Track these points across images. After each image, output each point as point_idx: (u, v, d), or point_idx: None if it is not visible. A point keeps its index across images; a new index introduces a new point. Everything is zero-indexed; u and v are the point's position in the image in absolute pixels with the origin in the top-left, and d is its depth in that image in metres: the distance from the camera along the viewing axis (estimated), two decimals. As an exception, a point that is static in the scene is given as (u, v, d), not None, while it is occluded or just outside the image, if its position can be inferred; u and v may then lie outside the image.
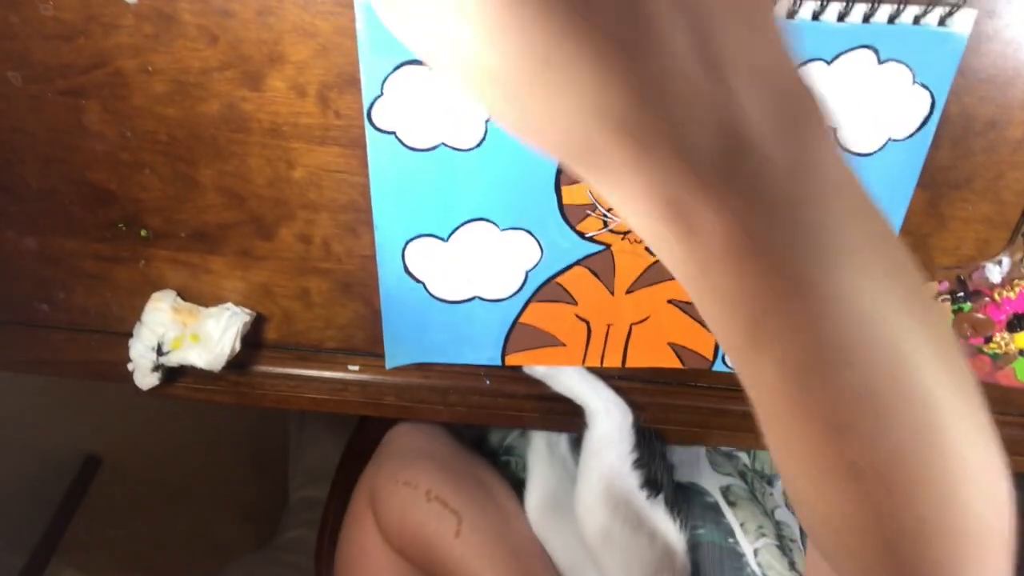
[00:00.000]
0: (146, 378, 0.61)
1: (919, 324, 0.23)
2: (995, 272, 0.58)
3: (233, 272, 0.60)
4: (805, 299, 0.22)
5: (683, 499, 0.76)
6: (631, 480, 0.70)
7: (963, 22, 0.47)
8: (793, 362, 0.23)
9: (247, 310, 0.61)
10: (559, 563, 0.76)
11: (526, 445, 0.84)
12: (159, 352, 0.59)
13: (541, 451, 0.81)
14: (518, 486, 0.81)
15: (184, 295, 0.61)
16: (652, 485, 0.69)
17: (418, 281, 0.58)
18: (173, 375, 0.64)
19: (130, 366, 0.61)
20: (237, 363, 0.63)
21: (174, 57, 0.51)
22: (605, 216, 0.55)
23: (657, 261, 0.56)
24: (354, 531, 0.80)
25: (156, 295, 0.60)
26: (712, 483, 0.80)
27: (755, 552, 0.74)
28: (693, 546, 0.74)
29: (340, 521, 0.93)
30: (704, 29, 0.20)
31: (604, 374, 0.65)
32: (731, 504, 0.77)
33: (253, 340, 0.63)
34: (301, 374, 0.65)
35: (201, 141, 0.54)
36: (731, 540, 0.74)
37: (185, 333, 0.59)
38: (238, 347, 0.60)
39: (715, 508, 0.77)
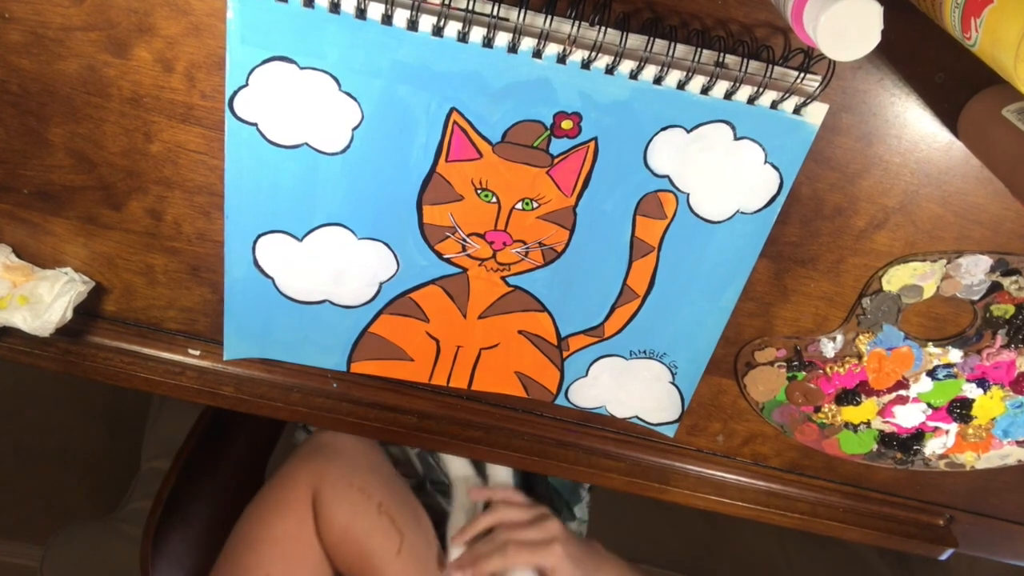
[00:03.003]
0: (-34, 333, 0.60)
1: None
2: (829, 347, 0.63)
3: (76, 238, 0.59)
4: None
5: None
6: None
7: (816, 114, 0.51)
8: None
9: (86, 278, 0.60)
10: None
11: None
12: (-18, 308, 0.58)
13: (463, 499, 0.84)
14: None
15: (20, 253, 0.60)
16: None
17: (267, 276, 0.58)
18: (-2, 332, 0.63)
19: (-52, 318, 0.59)
20: (69, 330, 0.62)
21: (34, 8, 0.50)
22: (464, 240, 0.57)
23: (511, 291, 0.59)
24: (288, 516, 0.80)
25: (-12, 248, 0.59)
26: None
27: None
28: None
29: (178, 497, 0.92)
30: None
31: (452, 394, 0.68)
32: None
33: (89, 310, 0.63)
34: (137, 351, 0.65)
35: (55, 99, 0.53)
36: None
37: (13, 293, 0.58)
38: (69, 315, 0.59)
39: None
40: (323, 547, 0.79)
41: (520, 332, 0.62)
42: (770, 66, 0.48)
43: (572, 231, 0.56)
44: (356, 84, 0.50)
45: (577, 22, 0.47)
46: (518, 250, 0.57)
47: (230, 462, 1.06)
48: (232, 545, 0.82)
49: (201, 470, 1.00)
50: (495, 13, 0.46)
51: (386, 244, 0.57)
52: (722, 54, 0.48)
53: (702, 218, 0.55)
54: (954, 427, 0.67)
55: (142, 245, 0.59)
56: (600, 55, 0.48)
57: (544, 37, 0.47)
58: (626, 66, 0.49)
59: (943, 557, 0.79)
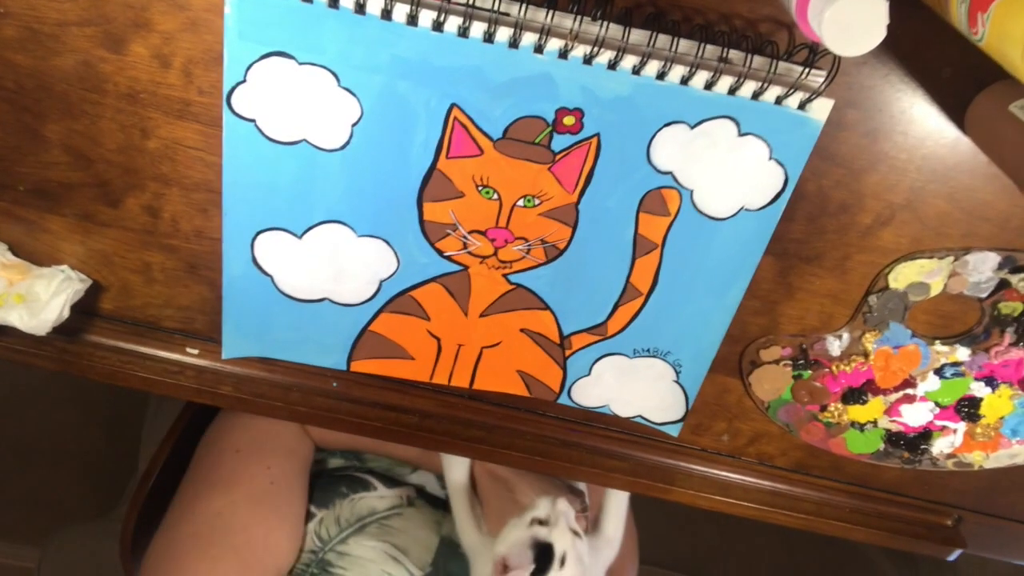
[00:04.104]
0: (-39, 331, 0.60)
1: None
2: (835, 345, 0.63)
3: (73, 235, 0.60)
4: None
5: None
6: None
7: (821, 109, 0.51)
8: None
9: (83, 276, 0.61)
10: None
11: None
12: (-22, 307, 0.58)
13: None
14: None
15: (17, 251, 0.61)
16: None
17: (266, 274, 0.58)
18: (-6, 331, 0.63)
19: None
20: (66, 329, 0.62)
21: (29, 3, 0.50)
22: (465, 238, 0.57)
23: (513, 289, 0.59)
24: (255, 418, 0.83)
25: (-17, 246, 0.59)
26: None
27: None
28: None
29: (160, 492, 0.92)
30: None
31: (453, 393, 0.68)
32: None
33: (86, 308, 0.63)
34: (135, 350, 0.65)
35: (51, 95, 0.53)
36: None
37: (10, 291, 0.59)
38: (66, 314, 0.59)
39: None
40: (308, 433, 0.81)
41: (522, 330, 0.62)
42: (774, 61, 0.49)
43: (574, 228, 0.57)
44: (355, 80, 0.50)
45: (579, 17, 0.47)
46: (520, 247, 0.57)
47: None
48: (199, 456, 0.83)
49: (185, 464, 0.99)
50: (496, 8, 0.46)
51: (386, 241, 0.57)
52: (726, 49, 0.48)
53: (706, 215, 0.55)
54: (962, 426, 0.67)
55: (139, 243, 0.60)
56: (603, 50, 0.48)
57: (546, 32, 0.47)
58: (629, 61, 0.49)
59: (951, 558, 0.79)
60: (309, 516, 0.81)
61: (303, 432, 0.84)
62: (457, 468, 0.83)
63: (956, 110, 0.52)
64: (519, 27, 0.47)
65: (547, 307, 0.61)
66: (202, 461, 0.83)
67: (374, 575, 0.76)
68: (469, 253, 0.58)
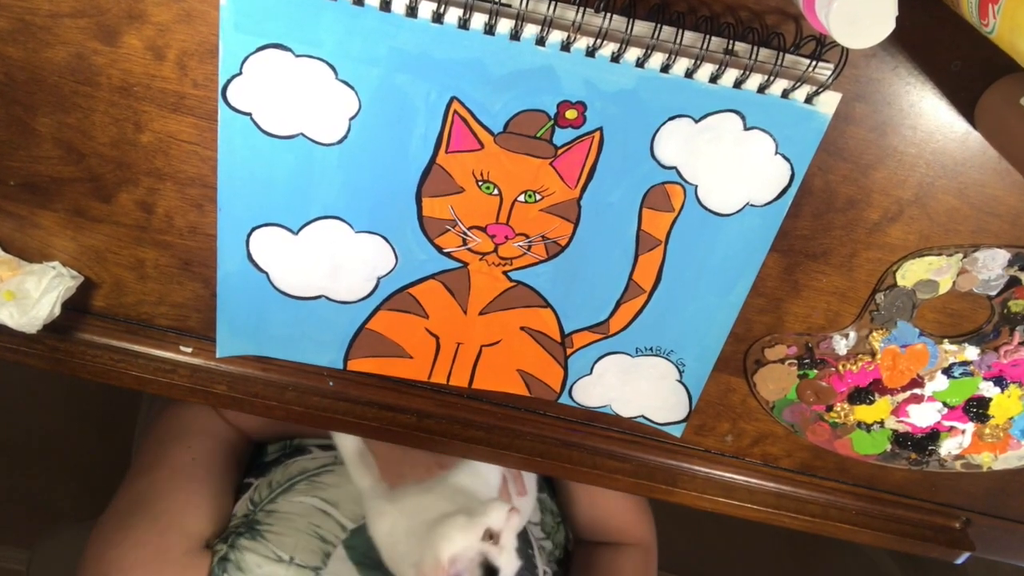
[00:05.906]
0: (-50, 329, 0.60)
1: None
2: (841, 344, 0.63)
3: (64, 231, 0.60)
4: None
5: None
6: None
7: (828, 103, 0.51)
8: None
9: (74, 273, 0.61)
10: None
11: None
12: (-33, 304, 0.58)
13: None
14: None
15: (7, 246, 0.61)
16: None
17: (261, 271, 0.58)
18: (-16, 329, 0.63)
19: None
20: (57, 327, 0.62)
21: (21, -6, 0.50)
22: (465, 234, 0.57)
23: (513, 286, 0.59)
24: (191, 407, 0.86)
25: (-27, 242, 0.59)
26: None
27: None
28: None
29: None
30: None
31: (452, 393, 0.68)
32: None
33: (78, 305, 0.63)
34: (127, 348, 0.65)
35: (43, 88, 0.53)
36: None
37: (0, 288, 0.59)
38: (58, 311, 0.59)
39: None
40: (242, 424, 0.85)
41: (522, 328, 0.62)
42: (781, 54, 0.49)
43: (576, 224, 0.57)
44: (353, 72, 0.50)
45: (582, 8, 0.47)
46: (520, 244, 0.57)
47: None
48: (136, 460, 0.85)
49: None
50: (497, -1, 0.46)
51: (384, 238, 0.57)
52: (732, 41, 0.48)
53: (710, 211, 0.55)
54: (970, 427, 0.67)
55: (132, 239, 0.60)
56: (606, 42, 0.48)
57: (548, 24, 0.47)
58: (632, 54, 0.49)
59: (959, 561, 0.79)
60: (246, 487, 0.84)
61: (220, 417, 0.87)
62: None
63: (966, 104, 0.52)
64: (521, 19, 0.47)
65: (548, 305, 0.61)
66: (133, 459, 0.87)
67: (301, 528, 0.77)
68: (469, 250, 0.58)
